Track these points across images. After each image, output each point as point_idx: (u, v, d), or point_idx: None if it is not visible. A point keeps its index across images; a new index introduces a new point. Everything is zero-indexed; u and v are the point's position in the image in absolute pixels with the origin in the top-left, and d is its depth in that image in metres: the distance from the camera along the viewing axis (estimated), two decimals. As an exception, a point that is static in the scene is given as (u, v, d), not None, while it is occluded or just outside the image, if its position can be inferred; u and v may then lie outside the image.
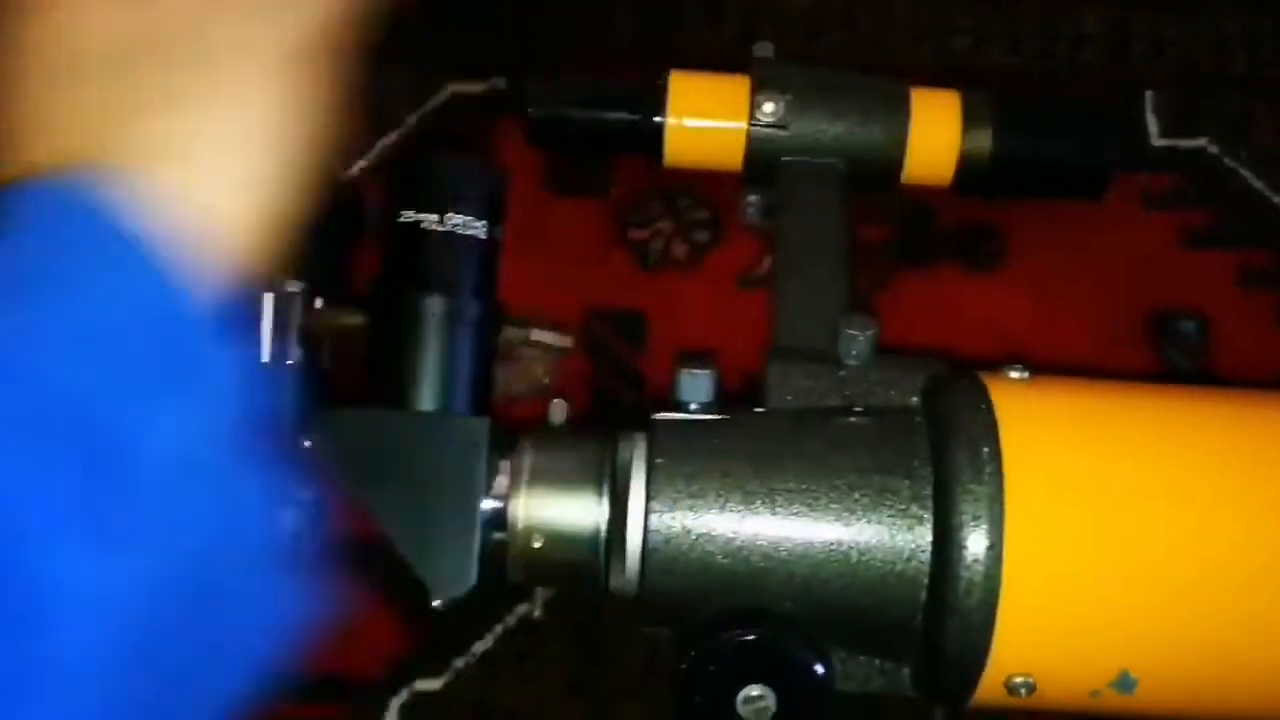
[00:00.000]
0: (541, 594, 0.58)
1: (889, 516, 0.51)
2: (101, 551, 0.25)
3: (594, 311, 0.67)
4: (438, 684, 0.61)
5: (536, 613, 0.57)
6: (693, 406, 0.54)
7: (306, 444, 0.53)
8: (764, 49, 0.68)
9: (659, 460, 0.52)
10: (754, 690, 0.50)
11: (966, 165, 0.64)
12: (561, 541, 0.53)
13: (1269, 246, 0.67)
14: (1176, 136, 0.70)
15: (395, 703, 0.61)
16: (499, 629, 0.62)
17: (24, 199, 0.29)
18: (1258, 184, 0.68)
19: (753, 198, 0.68)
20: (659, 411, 0.55)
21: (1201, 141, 0.70)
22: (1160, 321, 0.66)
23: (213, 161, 0.31)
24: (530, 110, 0.65)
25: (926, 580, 0.50)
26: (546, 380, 0.66)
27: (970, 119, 0.63)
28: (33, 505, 0.24)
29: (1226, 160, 0.69)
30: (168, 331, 0.29)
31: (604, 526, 0.53)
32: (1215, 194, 0.69)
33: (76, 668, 0.24)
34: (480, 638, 0.62)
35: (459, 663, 0.62)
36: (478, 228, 0.56)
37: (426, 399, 0.54)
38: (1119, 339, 0.66)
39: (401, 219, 0.55)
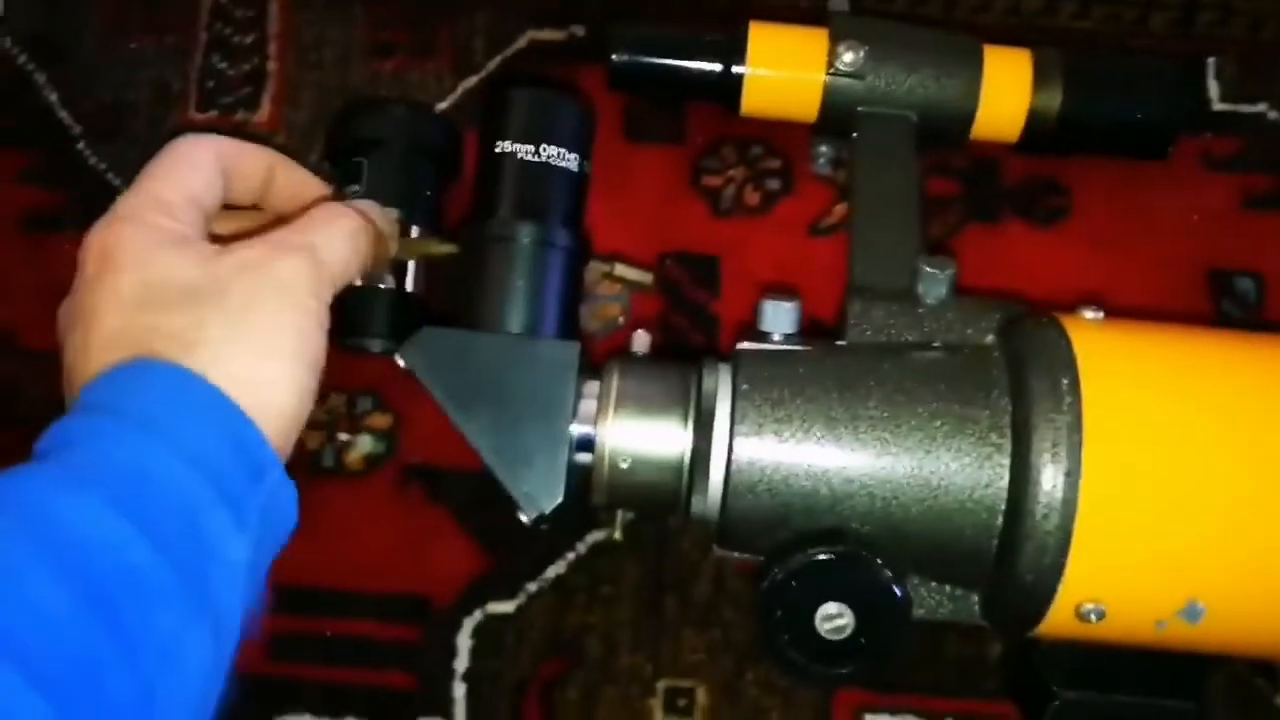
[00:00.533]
0: (621, 519, 0.59)
1: (968, 445, 0.53)
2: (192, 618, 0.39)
3: (668, 255, 0.68)
4: (510, 607, 0.63)
5: (617, 535, 0.59)
6: (776, 337, 0.56)
7: (400, 362, 0.55)
8: (840, 4, 0.70)
9: (744, 387, 0.54)
10: (833, 609, 0.52)
11: (1035, 122, 0.65)
12: (646, 465, 0.55)
13: (1328, 210, 0.69)
14: (1238, 102, 0.71)
15: (469, 624, 0.63)
16: (571, 556, 0.64)
17: (125, 375, 0.42)
18: (1318, 150, 0.70)
19: (824, 148, 0.70)
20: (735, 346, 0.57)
21: (1262, 107, 0.71)
22: (1218, 279, 0.68)
23: (256, 363, 0.43)
24: (612, 56, 0.66)
25: (1003, 507, 0.52)
26: (621, 320, 0.67)
27: (1041, 77, 0.65)
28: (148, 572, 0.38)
29: (1287, 126, 0.71)
30: (249, 456, 0.42)
31: (689, 452, 0.55)
32: (1275, 158, 0.70)
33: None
34: (553, 563, 0.64)
35: (531, 586, 0.63)
36: (570, 160, 0.58)
37: (516, 323, 0.56)
38: (1178, 295, 0.67)
39: (498, 149, 0.57)
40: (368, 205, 0.55)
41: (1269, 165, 0.70)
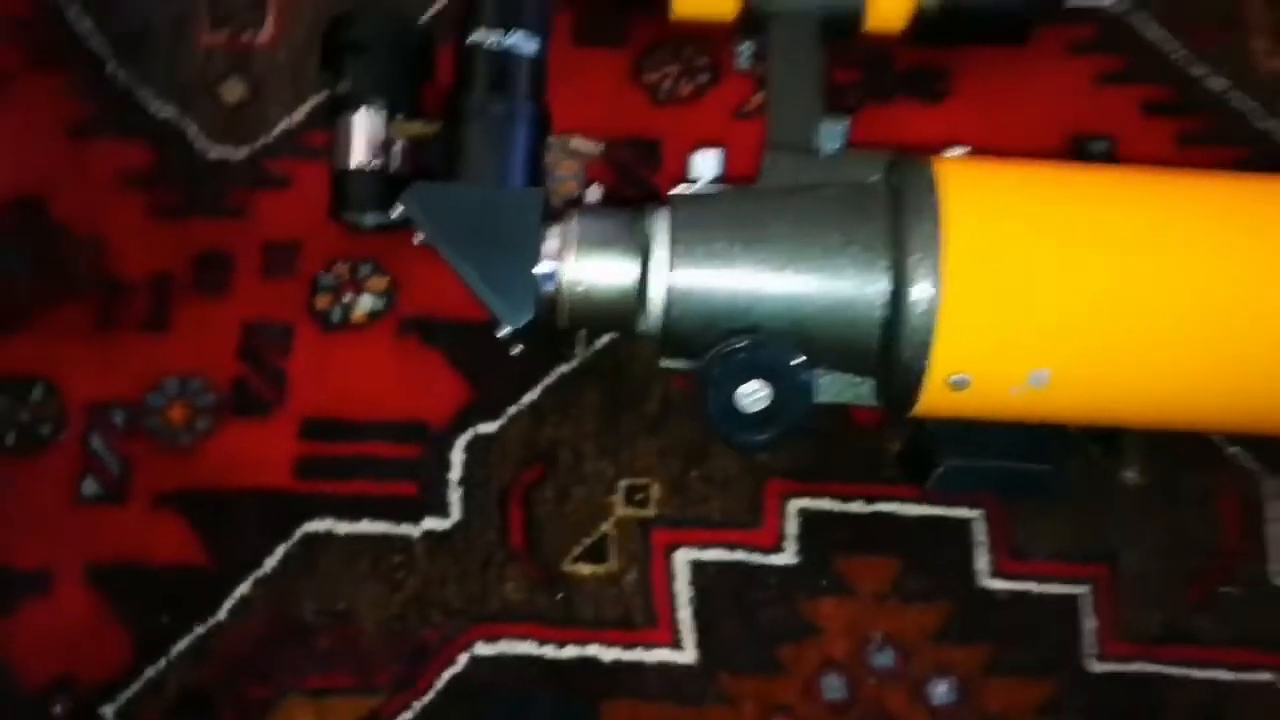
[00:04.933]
0: (581, 339, 0.72)
1: (856, 256, 0.66)
2: None
3: (615, 140, 0.81)
4: (494, 427, 0.76)
5: (577, 352, 0.72)
6: (704, 182, 0.69)
7: (398, 209, 0.68)
8: (752, -76, 0.82)
9: (678, 222, 0.67)
10: (753, 385, 0.65)
11: (918, 16, 0.78)
12: (600, 291, 0.68)
13: (1168, 83, 0.83)
14: (1091, -3, 0.85)
15: (460, 442, 0.76)
16: (543, 384, 0.77)
17: None
18: (1158, 35, 0.84)
19: (744, 46, 0.83)
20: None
21: (1109, 1, 0.85)
22: (1078, 143, 0.81)
23: None
24: (562, -27, 0.79)
25: (885, 302, 0.65)
26: (579, 193, 0.80)
27: (921, -24, 0.78)
28: None
29: (1131, 15, 0.84)
30: None
31: (635, 278, 0.68)
32: (1120, 42, 0.84)
33: None
34: (528, 390, 0.77)
35: (511, 410, 0.76)
36: (531, 44, 0.70)
37: (492, 178, 0.68)
38: (1044, 155, 0.80)
39: (470, 39, 0.70)
40: None
41: (1115, 48, 0.83)
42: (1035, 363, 0.65)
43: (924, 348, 0.64)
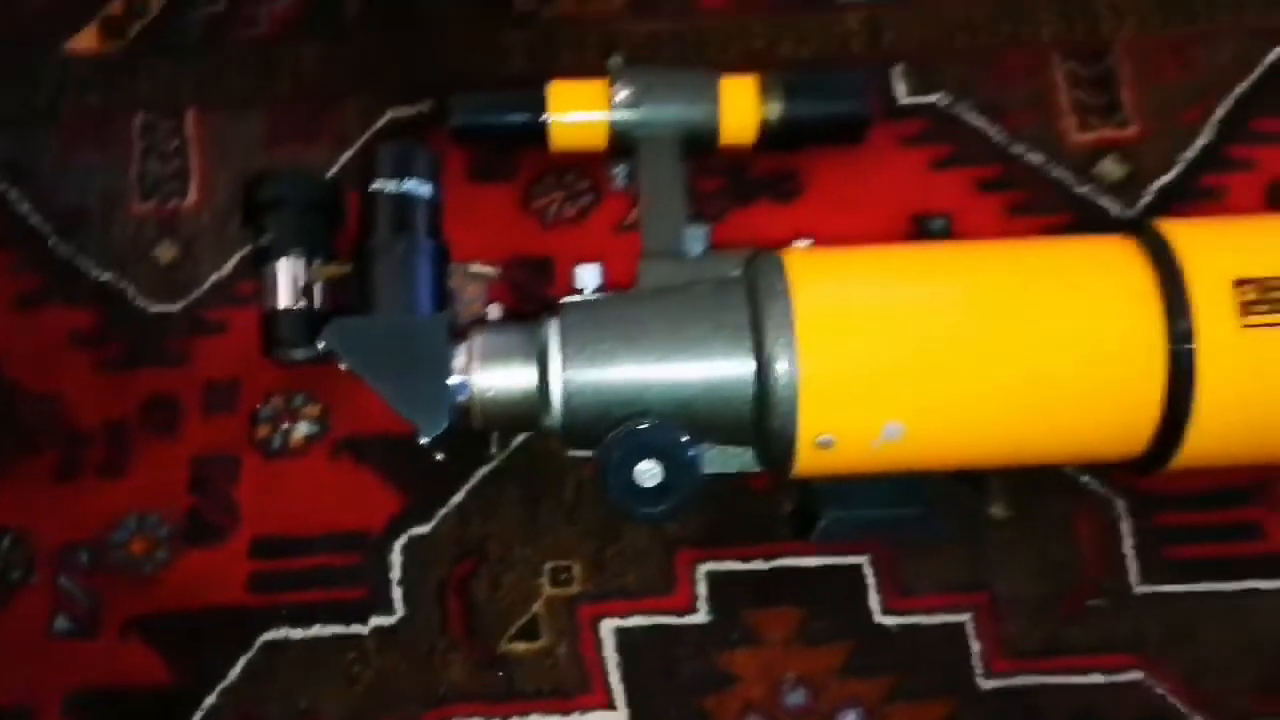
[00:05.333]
0: (496, 439, 0.81)
1: (725, 342, 0.75)
2: None
3: (512, 260, 0.91)
4: (427, 528, 0.85)
5: (493, 451, 0.81)
6: (588, 292, 0.79)
7: (320, 345, 0.77)
8: (617, 60, 0.93)
9: (568, 327, 0.77)
10: (646, 465, 0.74)
11: (765, 128, 0.89)
12: (507, 396, 0.77)
13: (992, 163, 0.94)
14: (919, 94, 0.96)
15: (398, 545, 0.84)
16: (468, 485, 0.85)
17: None
18: (979, 123, 0.95)
19: (618, 169, 0.93)
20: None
21: (935, 97, 0.96)
22: (919, 222, 0.91)
23: None
24: (453, 120, 0.89)
25: (754, 380, 0.74)
26: (485, 311, 0.89)
27: (765, 94, 0.89)
28: None
29: (954, 108, 0.96)
30: None
31: (535, 381, 0.77)
32: (950, 132, 0.95)
33: None
34: (455, 492, 0.85)
35: (441, 511, 0.85)
36: (425, 189, 0.80)
37: (402, 308, 0.78)
38: (891, 238, 0.91)
39: (371, 188, 0.80)
40: None
41: (944, 137, 0.95)
42: (887, 417, 0.74)
43: (791, 416, 0.74)
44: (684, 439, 0.75)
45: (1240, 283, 0.74)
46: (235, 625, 0.82)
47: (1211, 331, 0.73)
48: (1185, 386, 0.74)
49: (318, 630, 0.82)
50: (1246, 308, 0.73)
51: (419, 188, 0.80)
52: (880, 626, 0.82)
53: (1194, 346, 0.73)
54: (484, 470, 0.86)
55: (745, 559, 0.84)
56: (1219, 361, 0.73)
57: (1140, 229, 0.78)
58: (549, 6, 1.00)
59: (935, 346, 0.74)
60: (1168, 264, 0.75)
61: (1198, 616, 0.82)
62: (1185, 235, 0.76)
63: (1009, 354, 0.74)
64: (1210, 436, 0.76)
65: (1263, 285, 0.73)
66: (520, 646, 0.82)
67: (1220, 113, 0.96)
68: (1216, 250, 0.76)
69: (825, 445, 0.74)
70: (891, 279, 0.77)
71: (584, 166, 0.94)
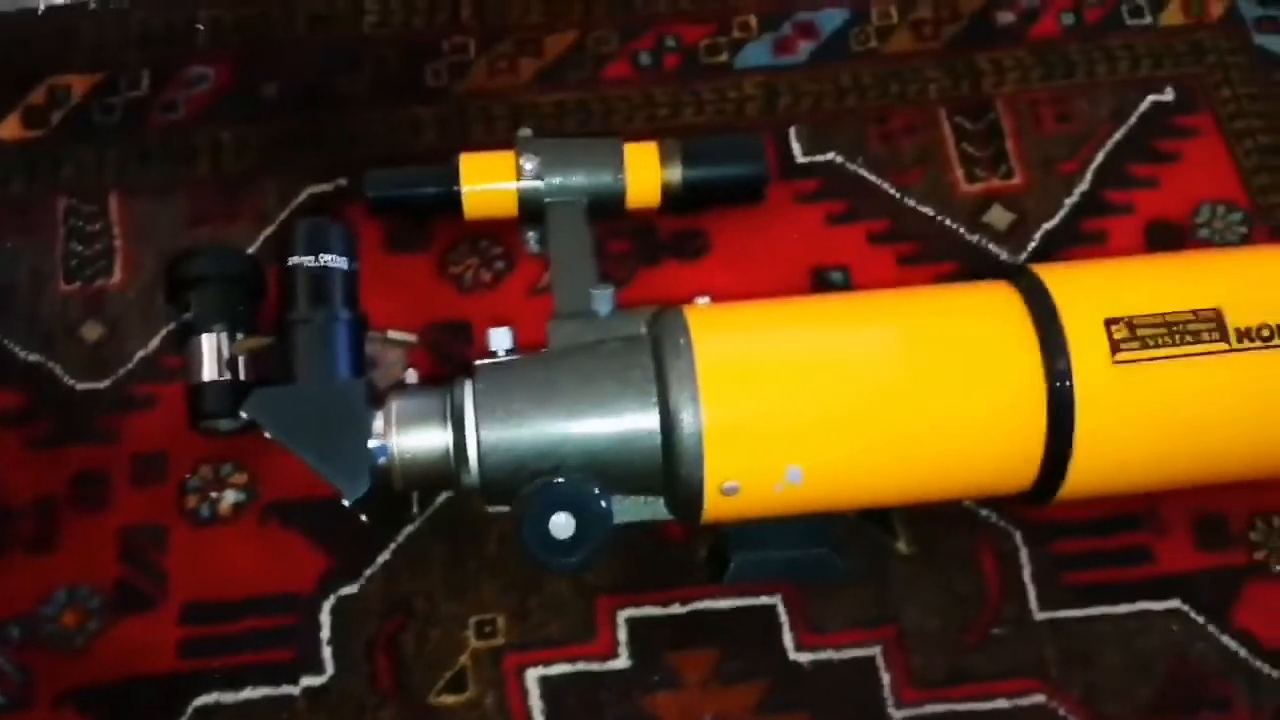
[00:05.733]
0: (416, 498, 0.85)
1: (632, 398, 0.79)
2: None
3: (431, 326, 0.94)
4: (355, 588, 0.87)
5: (415, 510, 0.84)
6: (500, 353, 0.82)
7: (243, 415, 0.80)
8: (525, 132, 0.97)
9: (481, 390, 0.80)
10: (560, 516, 0.77)
11: (668, 191, 0.94)
12: (424, 456, 0.80)
13: (885, 217, 0.99)
14: (814, 154, 1.02)
15: (326, 605, 0.86)
16: (393, 544, 0.88)
17: None
18: (872, 178, 1.01)
19: (530, 235, 0.97)
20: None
21: (830, 156, 1.01)
22: (818, 275, 0.97)
23: None
24: (368, 194, 0.93)
25: (659, 432, 0.78)
26: (404, 376, 0.92)
27: (665, 159, 0.93)
28: None
29: (849, 166, 1.01)
30: None
31: (451, 442, 0.80)
32: (845, 189, 1.00)
33: None
34: (382, 552, 0.88)
35: (368, 571, 0.87)
36: (340, 263, 0.84)
37: (322, 376, 0.81)
38: (792, 290, 0.95)
39: (289, 263, 0.83)
40: None
41: (839, 194, 1.00)
42: (787, 462, 0.78)
43: (696, 464, 0.77)
44: (596, 491, 0.78)
45: (1111, 321, 0.79)
46: (167, 692, 0.84)
47: (1086, 369, 0.78)
48: (1066, 422, 0.78)
49: (249, 693, 0.84)
50: (1117, 345, 0.78)
51: (335, 261, 0.83)
52: (794, 664, 0.86)
53: (1071, 384, 0.78)
54: (409, 529, 0.89)
55: (664, 604, 0.87)
56: (1095, 397, 0.78)
57: (1018, 274, 0.83)
58: (459, 82, 1.05)
59: (829, 393, 0.79)
60: (1044, 306, 0.80)
61: (1094, 639, 0.86)
62: (1059, 279, 0.81)
63: (899, 397, 0.79)
64: (1092, 468, 0.80)
65: (1131, 324, 0.79)
66: (449, 699, 0.84)
67: (1099, 159, 1.02)
68: (1088, 292, 0.81)
69: (730, 491, 0.78)
70: (787, 330, 0.81)
71: (498, 234, 0.98)
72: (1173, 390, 0.78)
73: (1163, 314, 0.79)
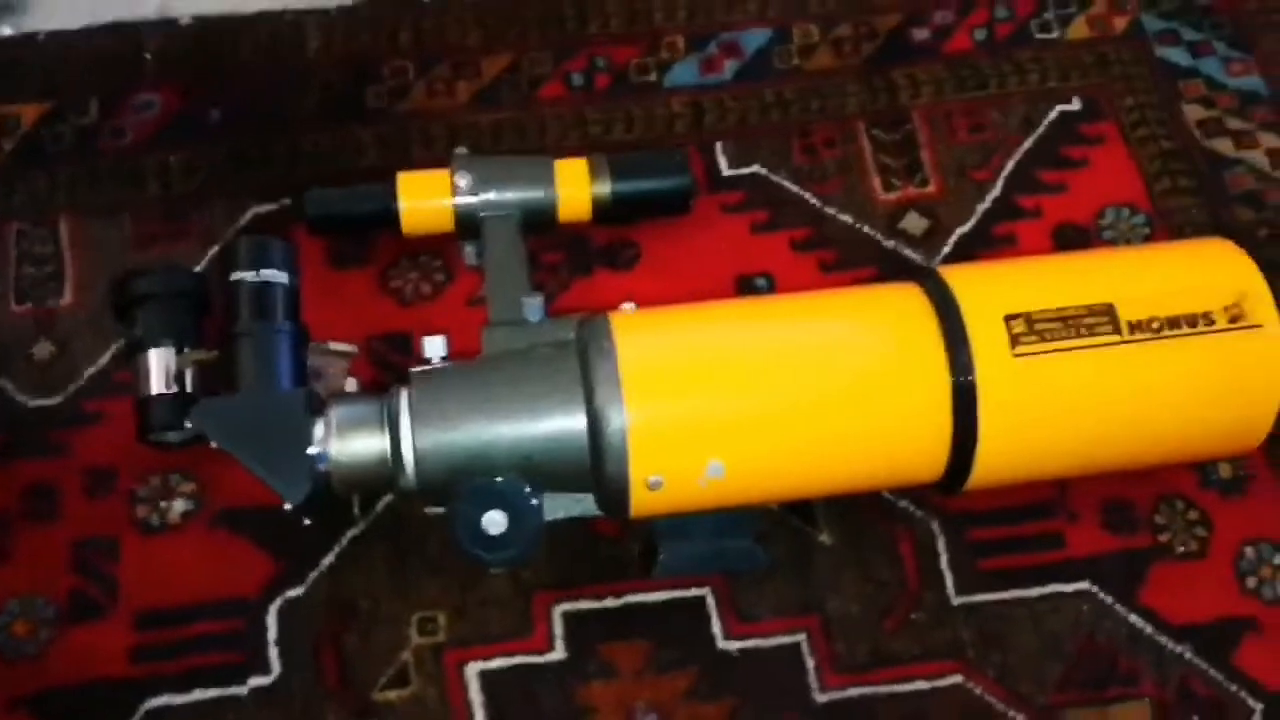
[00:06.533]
0: (358, 501, 0.88)
1: (559, 401, 0.83)
2: None
3: (373, 338, 0.98)
4: (301, 591, 0.90)
5: (356, 512, 0.88)
6: (435, 361, 0.86)
7: (189, 425, 0.83)
8: (462, 150, 1.01)
9: (415, 395, 0.84)
10: (492, 514, 0.81)
11: (597, 205, 0.98)
12: (363, 461, 0.84)
13: (808, 225, 1.04)
14: (740, 167, 1.06)
15: (273, 608, 0.90)
16: (337, 548, 0.92)
17: None
18: (794, 189, 1.05)
19: (469, 248, 1.01)
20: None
21: (754, 169, 1.06)
22: (744, 282, 1.01)
23: None
24: (310, 212, 0.97)
25: (587, 432, 0.82)
26: (347, 387, 0.96)
27: (594, 174, 0.98)
28: None
29: (772, 177, 1.06)
30: None
31: (389, 448, 0.83)
32: (768, 199, 1.05)
33: None
34: (326, 555, 0.91)
35: (313, 574, 0.91)
36: (282, 277, 0.87)
37: (264, 386, 0.84)
38: (719, 296, 0.99)
39: (231, 278, 0.87)
40: None
41: (763, 204, 1.05)
42: (709, 457, 0.82)
43: (622, 461, 0.81)
44: (527, 489, 0.82)
45: (1011, 317, 0.83)
46: (119, 697, 0.87)
47: (987, 363, 0.82)
48: (970, 413, 0.83)
49: (198, 695, 0.87)
50: (1016, 339, 0.83)
51: (276, 276, 0.87)
52: (723, 652, 0.90)
53: (973, 377, 0.82)
54: (353, 532, 0.92)
55: (599, 598, 0.91)
56: (996, 389, 0.82)
57: (925, 275, 0.87)
58: (399, 103, 1.09)
59: (747, 391, 0.83)
60: (948, 305, 0.84)
61: (1008, 622, 0.91)
62: (962, 279, 0.86)
63: (813, 394, 0.83)
64: (997, 456, 0.85)
65: (1030, 319, 0.83)
66: (392, 694, 0.88)
67: (1010, 167, 1.07)
68: (989, 290, 0.85)
69: (655, 486, 0.82)
70: (706, 333, 0.85)
71: (437, 248, 1.02)
72: (1070, 380, 0.83)
73: (1059, 309, 0.84)
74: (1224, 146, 1.09)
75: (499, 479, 0.82)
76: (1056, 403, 0.84)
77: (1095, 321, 0.83)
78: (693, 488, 0.83)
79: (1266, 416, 0.86)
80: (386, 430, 0.84)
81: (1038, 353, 0.83)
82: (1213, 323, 0.84)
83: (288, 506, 0.81)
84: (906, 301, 0.86)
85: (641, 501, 0.83)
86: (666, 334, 0.85)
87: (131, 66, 1.10)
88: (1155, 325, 0.83)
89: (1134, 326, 0.83)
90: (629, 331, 0.84)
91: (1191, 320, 0.84)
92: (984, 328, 0.83)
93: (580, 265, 1.02)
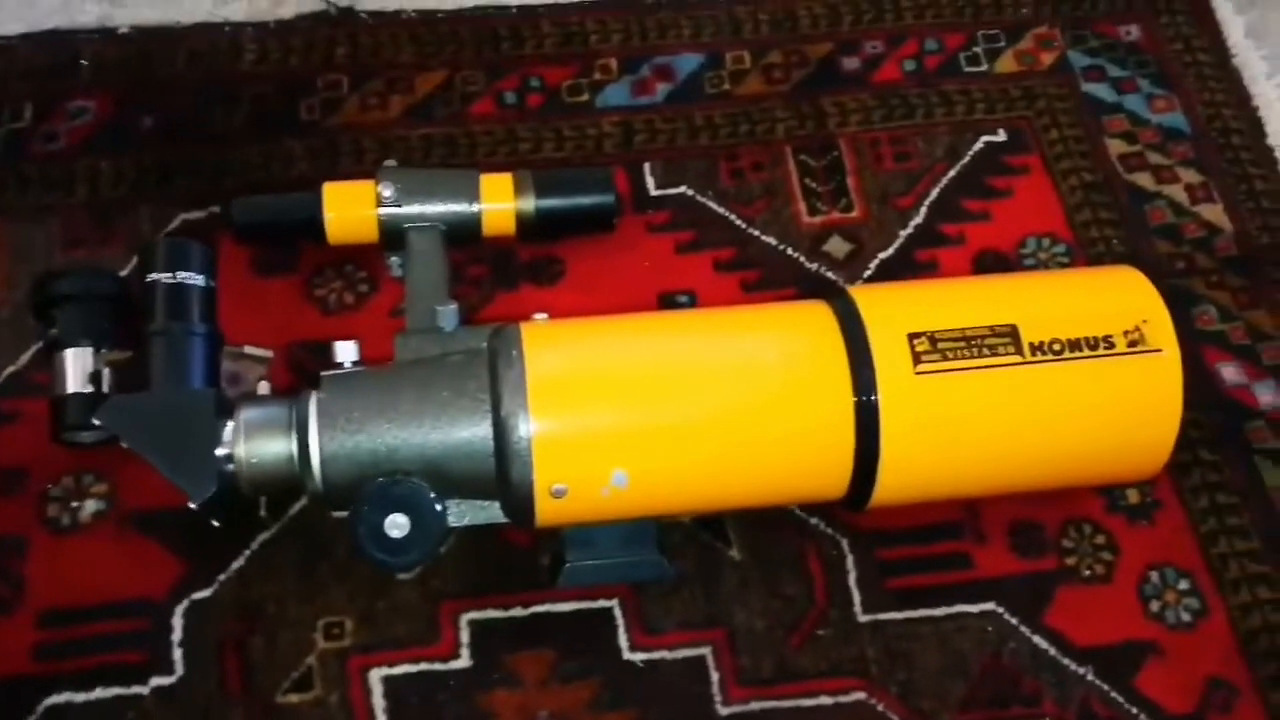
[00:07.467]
0: (264, 503, 0.89)
1: (467, 408, 0.84)
2: None
3: (295, 345, 0.99)
4: (208, 593, 0.90)
5: (263, 515, 0.88)
6: (346, 365, 0.87)
7: (96, 422, 0.84)
8: (390, 163, 1.02)
9: (324, 400, 0.84)
10: (395, 517, 0.82)
11: (522, 220, 0.99)
12: (270, 463, 0.84)
13: (731, 246, 1.05)
14: (666, 188, 1.08)
15: (179, 609, 0.90)
16: (247, 551, 0.92)
17: None
18: (720, 210, 1.07)
19: (393, 259, 1.02)
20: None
21: (680, 190, 1.08)
22: (666, 300, 1.02)
23: None
24: (235, 219, 0.98)
25: (493, 439, 0.83)
26: (260, 391, 0.96)
27: (519, 190, 0.99)
28: None
29: (699, 198, 1.07)
30: None
31: (296, 450, 0.84)
32: (693, 220, 1.06)
33: None
34: (236, 559, 0.91)
35: (222, 577, 0.91)
36: (198, 280, 0.88)
37: (175, 385, 0.85)
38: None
39: (148, 280, 0.87)
40: None
41: (687, 224, 1.06)
42: (612, 467, 0.83)
43: (526, 469, 0.82)
44: (431, 494, 0.83)
45: (914, 336, 0.85)
46: (18, 693, 0.87)
47: (890, 380, 0.84)
48: (872, 429, 0.84)
49: (99, 693, 0.87)
50: (919, 357, 0.84)
51: (192, 278, 0.88)
52: (629, 663, 0.90)
53: (876, 395, 0.84)
54: (263, 536, 0.92)
55: (506, 607, 0.91)
56: (898, 406, 0.84)
57: (834, 294, 0.89)
58: (332, 116, 1.10)
59: (651, 403, 0.84)
60: (854, 322, 0.86)
61: (913, 640, 0.92)
62: (869, 298, 0.87)
63: (717, 407, 0.84)
64: (900, 474, 0.86)
65: (933, 338, 0.85)
66: (294, 698, 0.88)
67: (934, 194, 1.09)
68: (895, 309, 0.87)
69: (559, 494, 0.83)
70: (615, 344, 0.86)
71: (362, 258, 1.03)
72: (971, 399, 0.84)
73: (962, 329, 0.85)
74: (1145, 180, 1.11)
75: (400, 482, 0.83)
76: (958, 421, 0.85)
77: (998, 342, 0.85)
78: (597, 497, 0.84)
79: (1165, 441, 0.88)
80: (294, 432, 0.84)
81: (940, 371, 0.84)
82: (1113, 346, 0.85)
83: (193, 505, 0.82)
84: (814, 319, 0.87)
85: (546, 510, 0.84)
86: (575, 344, 0.86)
87: (68, 73, 1.11)
88: (1057, 347, 0.85)
89: (1036, 348, 0.85)
90: (538, 341, 0.85)
91: (1092, 343, 0.85)
92: (887, 345, 0.84)
93: (505, 279, 1.04)
